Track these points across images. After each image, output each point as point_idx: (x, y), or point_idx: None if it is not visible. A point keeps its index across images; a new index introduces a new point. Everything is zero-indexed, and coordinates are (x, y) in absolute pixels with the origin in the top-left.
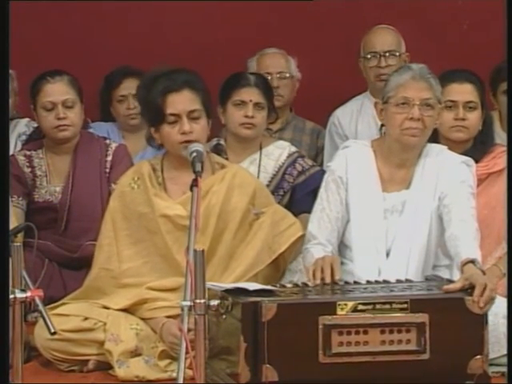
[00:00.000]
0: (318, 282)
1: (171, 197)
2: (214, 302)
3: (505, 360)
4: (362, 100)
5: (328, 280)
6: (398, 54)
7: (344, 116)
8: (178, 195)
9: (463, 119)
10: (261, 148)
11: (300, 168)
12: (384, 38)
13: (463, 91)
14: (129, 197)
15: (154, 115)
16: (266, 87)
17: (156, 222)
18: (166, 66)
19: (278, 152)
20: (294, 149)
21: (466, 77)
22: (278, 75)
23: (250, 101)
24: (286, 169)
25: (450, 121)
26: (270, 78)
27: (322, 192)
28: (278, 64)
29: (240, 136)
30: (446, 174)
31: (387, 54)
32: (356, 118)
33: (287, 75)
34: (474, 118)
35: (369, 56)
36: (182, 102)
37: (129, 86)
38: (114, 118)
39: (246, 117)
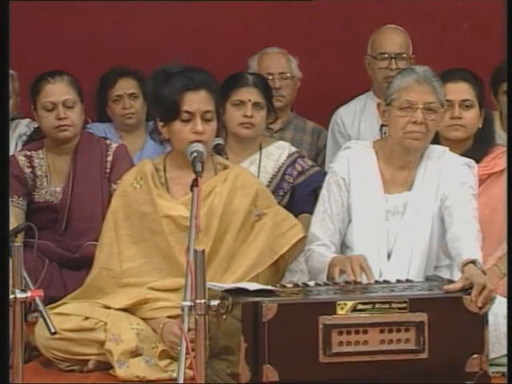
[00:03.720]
0: (359, 278)
1: (174, 197)
2: (215, 302)
3: (505, 360)
4: (365, 99)
5: (371, 280)
6: (407, 56)
7: (347, 115)
8: (181, 195)
9: (459, 118)
10: (261, 148)
11: (300, 168)
12: (395, 40)
13: (458, 90)
14: (131, 196)
15: (168, 110)
16: (264, 87)
17: (159, 222)
18: (179, 64)
19: (277, 152)
20: (293, 149)
21: (461, 75)
22: (279, 76)
23: (249, 100)
24: (285, 169)
25: (447, 120)
26: (271, 78)
27: (323, 193)
28: (279, 64)
29: (239, 136)
30: (447, 175)
31: (400, 56)
32: (359, 117)
33: (288, 75)
34: (470, 117)
35: (379, 56)
36: (198, 101)
37: (124, 86)
38: (109, 119)
39: (245, 116)
